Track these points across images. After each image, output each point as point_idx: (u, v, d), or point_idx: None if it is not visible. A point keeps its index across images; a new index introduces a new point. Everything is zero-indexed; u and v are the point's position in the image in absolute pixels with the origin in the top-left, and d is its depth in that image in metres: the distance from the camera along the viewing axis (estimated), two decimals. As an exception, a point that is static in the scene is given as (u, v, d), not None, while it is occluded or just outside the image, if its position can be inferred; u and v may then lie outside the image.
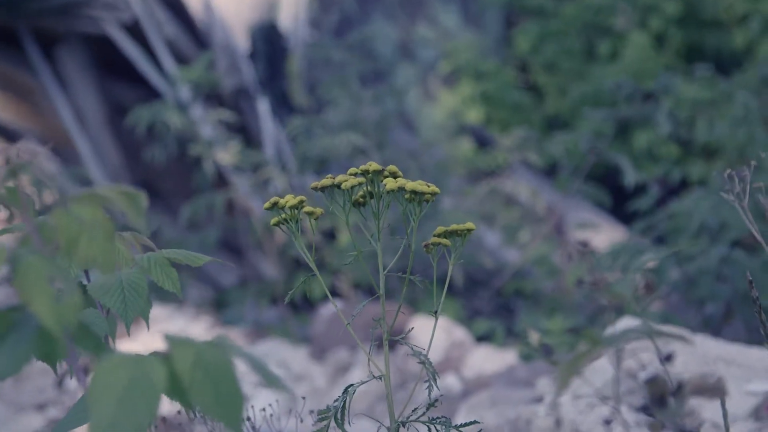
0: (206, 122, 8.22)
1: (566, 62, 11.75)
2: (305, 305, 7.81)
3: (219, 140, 8.14)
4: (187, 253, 2.13)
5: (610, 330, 3.56)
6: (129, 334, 1.94)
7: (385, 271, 2.19)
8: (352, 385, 2.17)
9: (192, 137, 8.07)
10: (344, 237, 7.55)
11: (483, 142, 10.82)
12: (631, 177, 6.70)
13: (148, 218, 7.67)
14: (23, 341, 1.44)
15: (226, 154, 8.07)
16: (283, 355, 6.23)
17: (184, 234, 8.27)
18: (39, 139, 8.99)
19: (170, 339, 1.38)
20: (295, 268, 8.01)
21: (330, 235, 7.87)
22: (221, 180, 8.58)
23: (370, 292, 7.64)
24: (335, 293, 7.56)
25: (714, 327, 5.12)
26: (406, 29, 13.08)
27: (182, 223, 8.13)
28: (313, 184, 2.18)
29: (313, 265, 2.17)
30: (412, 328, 2.33)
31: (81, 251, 1.46)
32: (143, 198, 1.53)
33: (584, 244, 1.80)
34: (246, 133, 9.03)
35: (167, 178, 9.31)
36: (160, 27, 8.88)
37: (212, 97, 9.01)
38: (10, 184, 1.53)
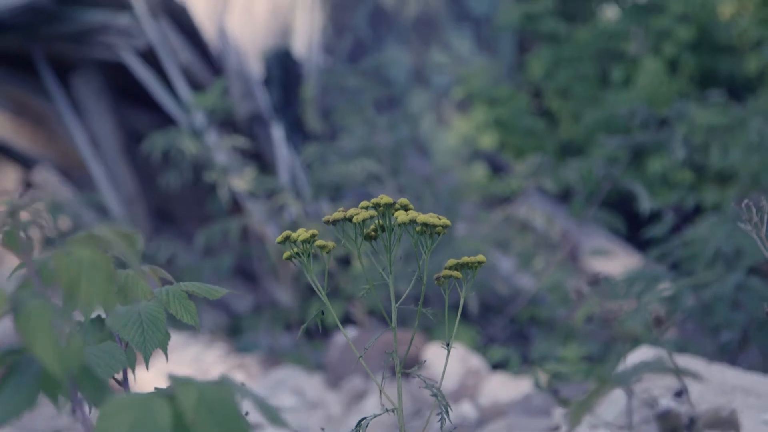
0: (221, 149, 8.24)
1: (580, 88, 11.75)
2: (319, 332, 7.81)
3: (234, 166, 8.16)
4: (205, 287, 2.14)
5: (626, 360, 3.53)
6: (148, 368, 1.95)
7: (398, 304, 2.20)
8: (365, 418, 2.17)
9: (207, 163, 8.09)
10: (358, 264, 7.55)
11: (497, 168, 10.83)
12: (646, 204, 6.69)
13: (164, 244, 7.66)
14: (25, 384, 1.45)
15: (241, 181, 8.09)
16: (297, 382, 6.23)
17: (199, 260, 8.28)
18: (54, 165, 9.03)
19: (174, 379, 1.39)
20: (310, 295, 8.01)
21: (345, 261, 7.87)
22: (236, 206, 8.60)
23: (384, 318, 7.63)
24: (349, 320, 7.55)
25: (730, 355, 5.10)
26: (420, 54, 13.11)
27: (197, 249, 8.14)
28: (325, 218, 2.19)
29: (325, 299, 2.18)
30: (425, 361, 2.32)
31: (82, 293, 1.47)
32: (139, 239, 1.55)
33: (595, 278, 1.80)
34: (260, 159, 9.05)
35: (182, 204, 9.34)
36: (174, 53, 8.92)
37: (227, 123, 9.04)
38: (9, 227, 1.54)
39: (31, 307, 1.42)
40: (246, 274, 8.95)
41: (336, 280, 7.47)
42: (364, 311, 7.55)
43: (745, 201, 2.46)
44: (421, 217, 2.13)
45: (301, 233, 2.19)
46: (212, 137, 8.43)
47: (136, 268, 1.55)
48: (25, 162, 9.07)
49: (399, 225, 2.14)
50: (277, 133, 9.13)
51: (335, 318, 2.23)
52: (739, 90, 11.08)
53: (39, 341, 1.40)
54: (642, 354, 3.45)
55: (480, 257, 2.19)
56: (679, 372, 1.42)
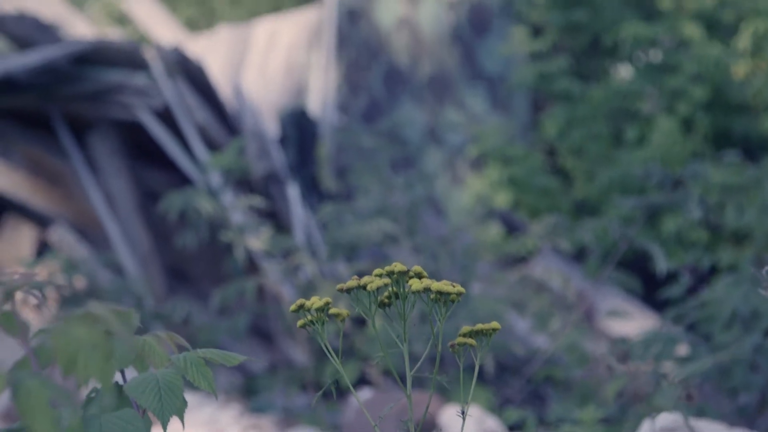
0: (237, 208, 8.25)
1: (594, 147, 11.76)
2: (335, 392, 7.76)
3: (250, 226, 8.16)
4: (222, 353, 2.15)
5: (646, 424, 3.49)
6: (165, 433, 1.95)
7: (413, 371, 2.20)
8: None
9: (223, 223, 8.09)
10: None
11: (511, 227, 10.82)
12: (663, 265, 6.66)
13: (179, 304, 7.66)
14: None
15: (257, 240, 8.09)
16: (312, 443, 6.19)
17: (215, 319, 8.27)
18: (70, 223, 9.07)
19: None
20: (325, 354, 7.97)
21: (360, 321, 7.85)
22: (252, 265, 8.60)
23: (400, 378, 7.58)
24: (365, 380, 7.52)
25: (748, 417, 5.06)
26: (434, 113, 13.17)
27: (213, 309, 8.13)
28: (339, 286, 2.21)
29: (339, 366, 2.18)
30: (441, 430, 2.32)
31: (79, 371, 1.48)
32: (135, 317, 1.56)
33: (624, 354, 1.79)
34: (276, 219, 9.07)
35: (197, 263, 9.35)
36: (190, 113, 8.98)
37: (242, 182, 9.06)
38: (7, 308, 1.55)
39: (29, 386, 1.42)
40: (261, 334, 8.94)
41: (351, 340, 7.45)
42: (379, 371, 7.52)
43: (766, 268, 2.46)
44: (435, 285, 2.14)
45: (315, 301, 2.20)
46: (228, 197, 8.46)
47: (129, 346, 1.56)
48: (41, 220, 9.10)
49: (413, 292, 2.15)
50: (293, 192, 9.15)
51: (348, 384, 2.24)
52: (754, 150, 11.08)
53: (38, 420, 1.40)
54: (661, 419, 3.42)
55: (494, 324, 2.19)
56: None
